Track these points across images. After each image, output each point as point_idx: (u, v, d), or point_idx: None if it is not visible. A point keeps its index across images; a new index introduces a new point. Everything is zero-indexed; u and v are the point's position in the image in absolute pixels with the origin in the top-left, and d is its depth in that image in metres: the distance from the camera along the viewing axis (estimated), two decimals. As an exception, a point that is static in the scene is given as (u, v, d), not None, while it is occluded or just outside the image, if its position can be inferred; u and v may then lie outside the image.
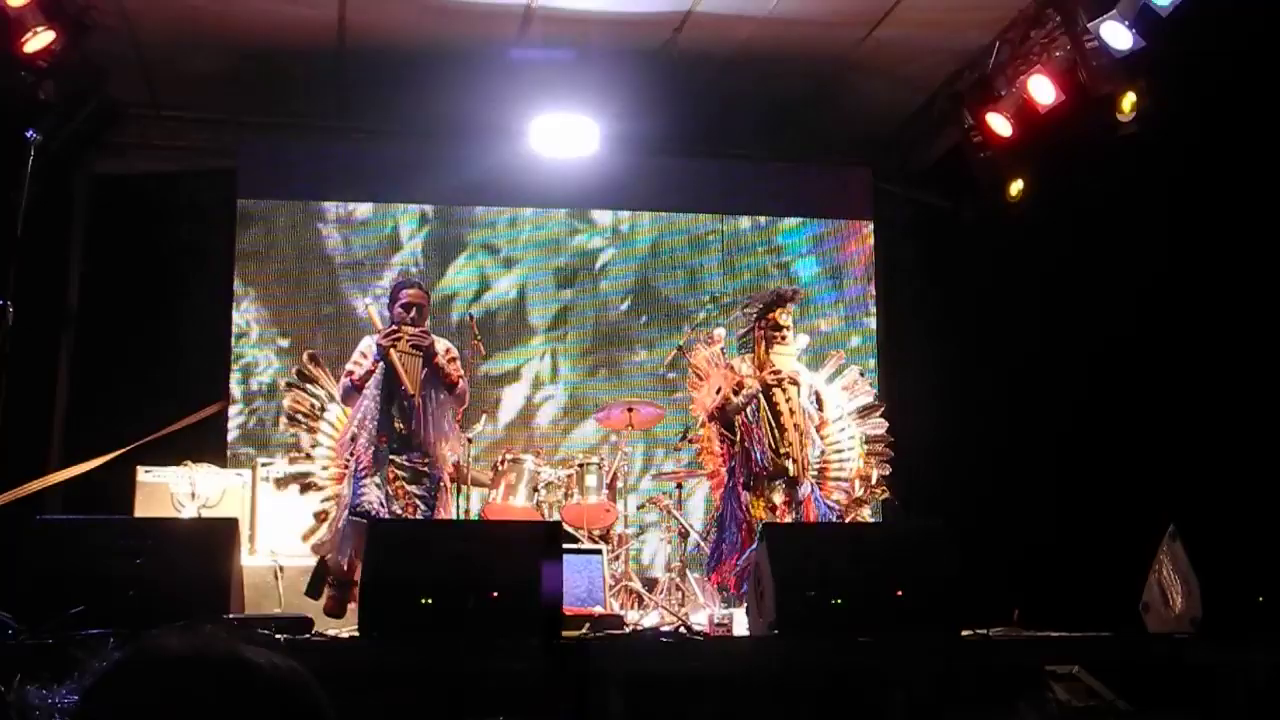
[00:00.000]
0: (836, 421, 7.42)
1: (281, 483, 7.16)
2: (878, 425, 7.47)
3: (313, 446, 6.97)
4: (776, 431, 6.91)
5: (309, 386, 7.05)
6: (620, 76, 9.34)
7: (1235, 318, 7.64)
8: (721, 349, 7.33)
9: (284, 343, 9.67)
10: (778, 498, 6.92)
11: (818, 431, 7.21)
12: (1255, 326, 7.51)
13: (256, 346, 9.71)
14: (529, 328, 10.18)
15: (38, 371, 9.12)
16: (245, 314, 9.72)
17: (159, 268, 9.48)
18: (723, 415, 7.10)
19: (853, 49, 9.08)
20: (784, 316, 7.08)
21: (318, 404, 7.02)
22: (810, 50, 9.09)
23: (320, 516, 6.91)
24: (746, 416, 7.00)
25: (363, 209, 10.08)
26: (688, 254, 10.45)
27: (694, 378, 7.49)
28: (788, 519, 6.88)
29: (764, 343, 7.10)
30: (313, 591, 6.94)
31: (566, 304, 10.26)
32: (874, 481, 7.35)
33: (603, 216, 10.43)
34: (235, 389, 9.56)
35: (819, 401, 7.16)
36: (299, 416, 6.98)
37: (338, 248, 10.00)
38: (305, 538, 6.98)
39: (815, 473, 7.25)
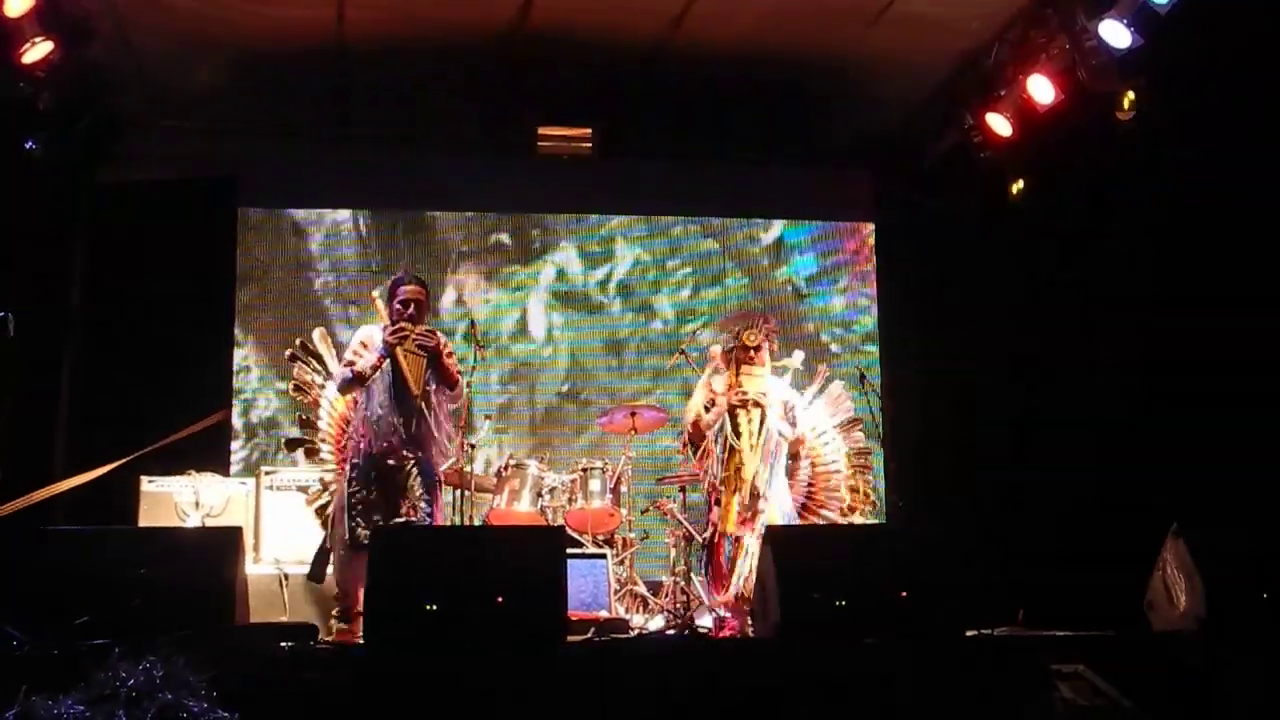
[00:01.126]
0: (821, 436, 7.53)
1: (291, 445, 7.35)
2: (857, 440, 7.58)
3: (316, 419, 7.07)
4: (728, 452, 7.01)
5: (312, 361, 7.15)
6: (618, 80, 9.35)
7: (1237, 314, 7.64)
8: (715, 365, 7.37)
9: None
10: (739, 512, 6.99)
11: (796, 450, 7.28)
12: (1257, 323, 7.51)
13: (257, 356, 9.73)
14: (531, 332, 10.17)
15: (41, 381, 9.14)
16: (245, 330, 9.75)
17: (160, 277, 9.48)
18: (695, 431, 7.31)
19: (851, 49, 9.07)
20: (752, 337, 7.18)
21: (319, 379, 7.12)
22: (809, 50, 9.08)
23: (325, 484, 7.11)
24: (711, 435, 7.13)
25: (362, 215, 10.08)
26: (688, 256, 10.44)
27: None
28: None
29: (735, 364, 7.20)
30: (315, 575, 6.98)
31: (568, 307, 10.25)
32: (862, 493, 7.43)
33: (603, 220, 10.42)
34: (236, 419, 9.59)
35: (794, 421, 7.20)
36: (302, 387, 7.14)
37: (336, 252, 10.00)
38: (310, 501, 7.16)
39: (805, 488, 7.45)
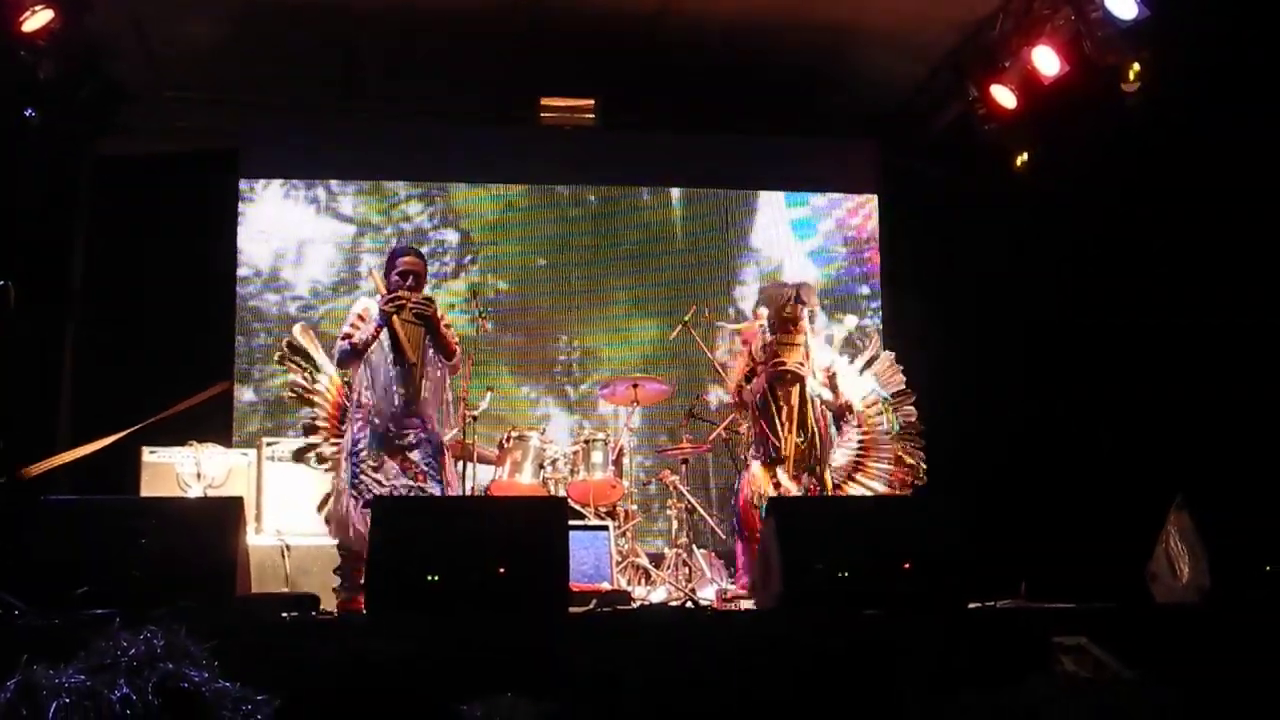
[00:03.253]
0: (872, 405, 7.47)
1: (298, 455, 7.16)
2: (909, 413, 7.53)
3: (314, 419, 6.98)
4: (775, 423, 7.00)
5: (299, 359, 7.04)
6: (622, 50, 9.31)
7: (1242, 286, 7.62)
8: (761, 328, 7.33)
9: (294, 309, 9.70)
10: (802, 479, 6.96)
11: (842, 417, 7.25)
12: (1263, 296, 7.49)
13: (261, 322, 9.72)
14: (534, 304, 10.16)
15: (43, 353, 9.14)
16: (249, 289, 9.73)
17: (162, 248, 9.47)
18: (738, 400, 7.33)
19: (855, 18, 9.03)
20: (791, 310, 7.11)
21: (309, 376, 7.01)
22: (812, 21, 9.04)
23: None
24: (756, 404, 7.11)
25: (365, 186, 10.06)
26: (692, 229, 10.42)
27: (741, 346, 7.56)
28: None
29: (775, 335, 7.16)
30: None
31: (572, 280, 10.23)
32: (912, 466, 7.39)
33: (608, 192, 10.40)
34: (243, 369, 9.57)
35: (834, 387, 7.15)
36: (297, 390, 7.00)
37: (339, 225, 9.97)
38: (320, 508, 7.00)
39: (855, 455, 7.40)
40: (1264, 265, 7.53)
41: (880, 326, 10.12)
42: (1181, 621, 5.56)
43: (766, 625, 5.55)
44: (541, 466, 8.29)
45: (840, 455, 7.36)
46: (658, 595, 7.75)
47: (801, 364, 7.05)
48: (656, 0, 8.86)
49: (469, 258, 10.13)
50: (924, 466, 7.49)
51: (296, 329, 7.20)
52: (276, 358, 7.18)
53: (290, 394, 7.07)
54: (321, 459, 6.94)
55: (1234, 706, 4.64)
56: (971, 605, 5.78)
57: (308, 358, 7.03)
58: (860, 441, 7.43)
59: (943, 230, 10.22)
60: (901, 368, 7.65)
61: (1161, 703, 4.40)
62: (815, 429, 7.04)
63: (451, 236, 10.14)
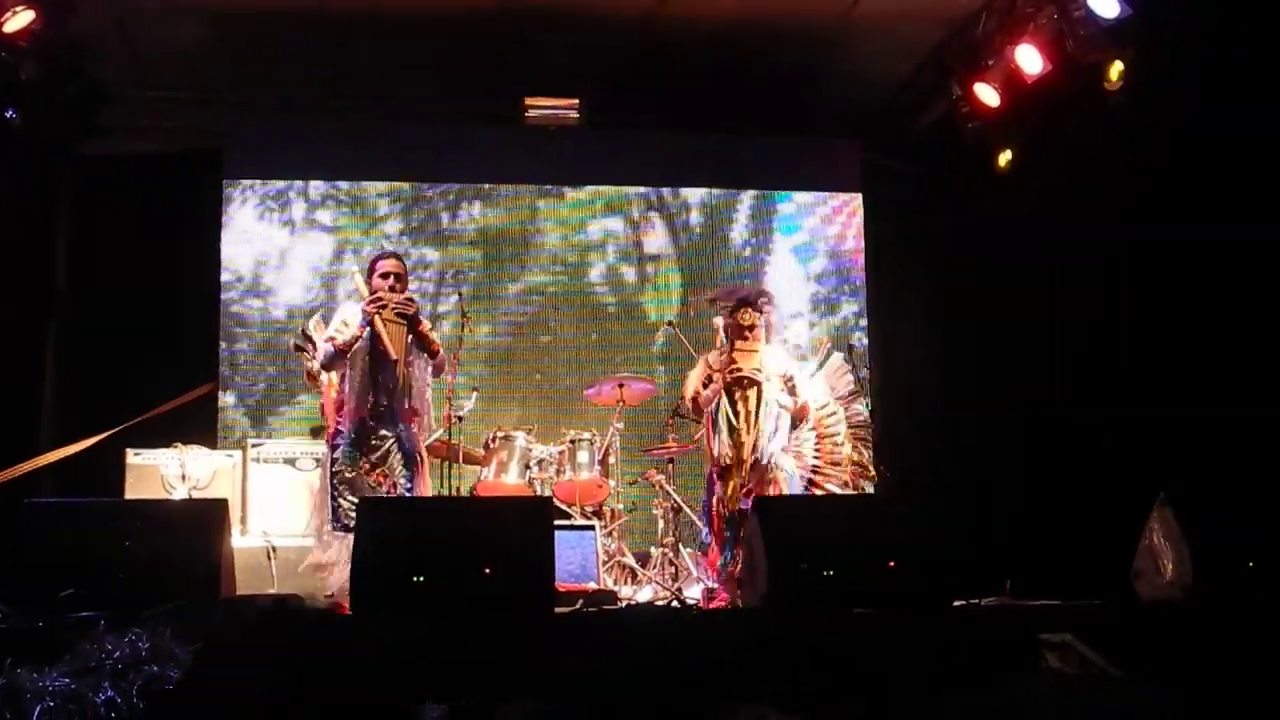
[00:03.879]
0: (824, 408, 7.48)
1: (315, 431, 7.31)
2: (858, 412, 7.54)
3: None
4: (729, 429, 7.01)
5: (310, 347, 7.21)
6: (606, 50, 9.30)
7: (1226, 284, 7.63)
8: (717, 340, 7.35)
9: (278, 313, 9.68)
10: (749, 484, 6.99)
11: (798, 422, 7.25)
12: (1246, 294, 7.51)
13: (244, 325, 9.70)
14: (520, 304, 10.15)
15: (26, 354, 9.11)
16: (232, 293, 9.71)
17: (146, 249, 9.44)
18: (694, 405, 7.32)
19: (839, 18, 9.04)
20: (746, 316, 7.13)
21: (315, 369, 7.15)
22: (796, 20, 9.05)
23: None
24: (712, 410, 7.13)
25: (349, 187, 10.04)
26: (676, 229, 10.42)
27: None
28: None
29: (731, 340, 7.19)
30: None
31: (556, 280, 10.22)
32: (862, 465, 7.41)
33: (590, 192, 10.39)
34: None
35: (793, 391, 7.16)
36: (311, 378, 7.21)
37: (324, 226, 9.95)
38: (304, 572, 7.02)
39: (812, 460, 7.35)
40: (1248, 263, 7.54)
41: (865, 324, 10.15)
42: (1166, 618, 5.58)
43: (752, 624, 5.55)
44: (527, 467, 8.29)
45: (802, 459, 7.34)
46: (644, 595, 7.75)
47: (758, 369, 7.06)
48: (643, 2, 8.85)
49: (452, 258, 10.09)
50: (872, 462, 7.48)
51: (311, 322, 7.31)
52: (292, 345, 7.31)
53: (307, 380, 7.20)
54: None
55: (1219, 703, 4.65)
56: (957, 603, 5.80)
57: (316, 347, 7.16)
58: (815, 445, 7.43)
59: (927, 228, 10.25)
60: (852, 367, 7.63)
61: (1147, 700, 4.42)
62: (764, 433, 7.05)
63: (435, 237, 10.10)
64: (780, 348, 7.40)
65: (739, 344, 7.14)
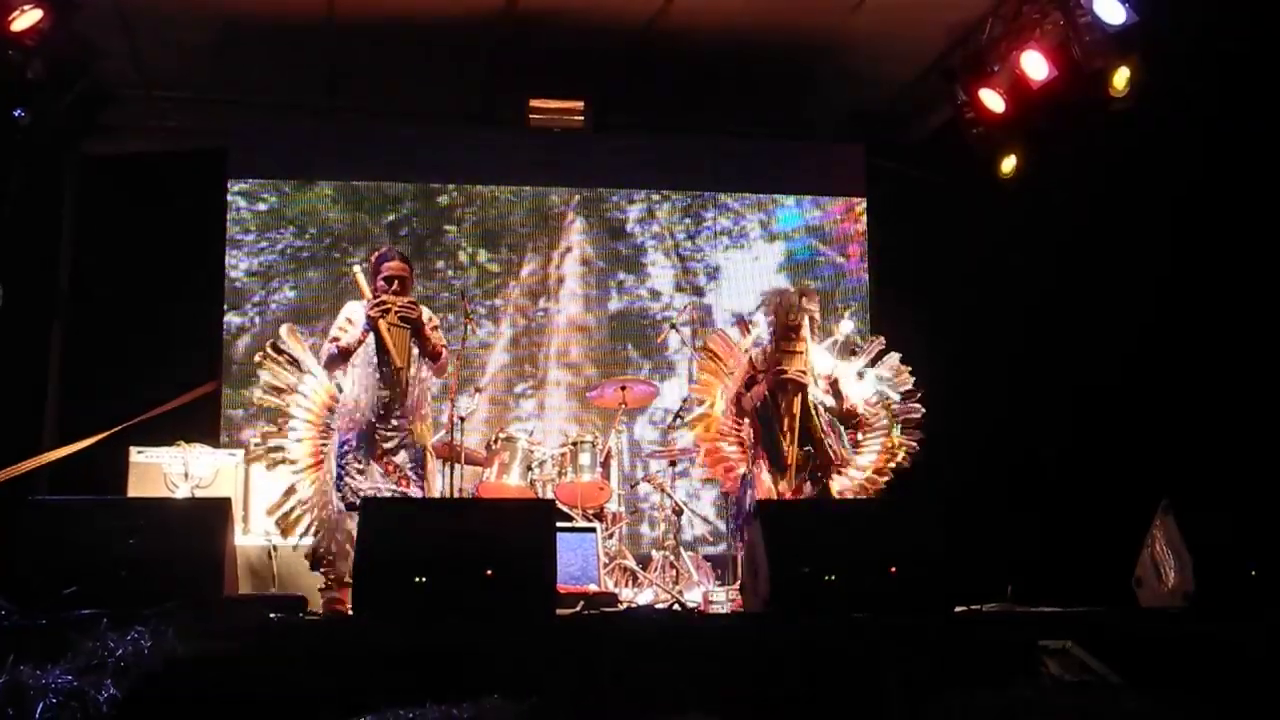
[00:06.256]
0: (874, 407, 7.38)
1: (253, 457, 7.04)
2: (911, 411, 7.45)
3: (287, 421, 6.86)
4: (781, 431, 6.97)
5: (282, 361, 6.90)
6: (610, 53, 9.32)
7: (1229, 292, 7.64)
8: (754, 338, 7.30)
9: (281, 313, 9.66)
10: (804, 488, 6.96)
11: (849, 424, 7.21)
12: (1250, 302, 7.51)
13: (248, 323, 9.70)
14: (523, 306, 10.15)
15: (30, 352, 9.12)
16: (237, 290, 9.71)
17: (150, 248, 9.45)
18: (738, 405, 7.22)
19: (843, 23, 9.05)
20: (794, 317, 7.06)
21: (295, 378, 6.90)
22: (800, 24, 9.06)
23: (289, 491, 6.79)
24: (757, 411, 7.07)
25: (352, 187, 10.05)
26: (680, 231, 10.42)
27: (707, 360, 7.49)
28: None
29: (776, 343, 7.10)
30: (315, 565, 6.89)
31: (561, 282, 10.23)
32: (889, 448, 7.34)
33: (595, 194, 10.40)
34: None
35: (837, 393, 7.12)
36: (274, 390, 6.89)
37: (327, 225, 9.96)
38: (270, 511, 6.86)
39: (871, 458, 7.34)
40: (1252, 268, 7.55)
41: (868, 325, 10.14)
42: (1166, 626, 5.58)
43: (753, 628, 5.56)
44: (529, 468, 8.29)
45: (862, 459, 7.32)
46: (645, 597, 7.75)
47: (803, 372, 7.00)
48: (647, 5, 8.87)
49: (456, 259, 10.11)
50: (905, 446, 7.39)
51: (284, 330, 7.10)
52: (258, 358, 7.02)
53: (263, 393, 6.86)
54: (288, 461, 6.80)
55: (1219, 711, 4.65)
56: (958, 609, 5.80)
57: (293, 360, 6.94)
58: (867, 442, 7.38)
59: (930, 233, 10.24)
60: (910, 369, 7.57)
61: (1147, 707, 4.42)
62: (819, 438, 7.00)
63: (439, 238, 10.12)
64: (824, 348, 7.32)
65: (784, 345, 7.05)
